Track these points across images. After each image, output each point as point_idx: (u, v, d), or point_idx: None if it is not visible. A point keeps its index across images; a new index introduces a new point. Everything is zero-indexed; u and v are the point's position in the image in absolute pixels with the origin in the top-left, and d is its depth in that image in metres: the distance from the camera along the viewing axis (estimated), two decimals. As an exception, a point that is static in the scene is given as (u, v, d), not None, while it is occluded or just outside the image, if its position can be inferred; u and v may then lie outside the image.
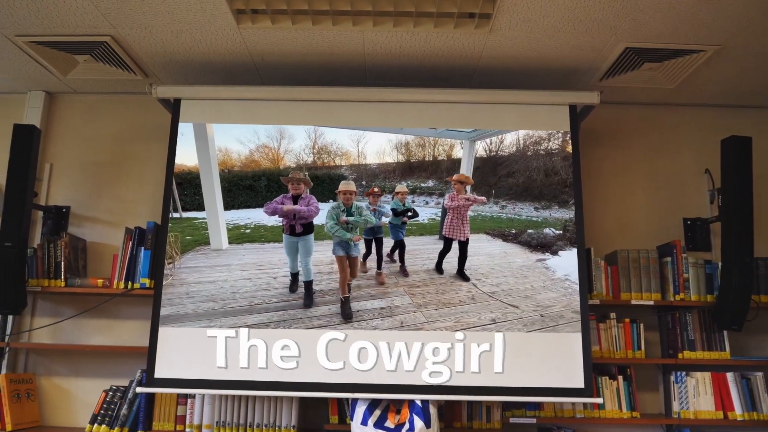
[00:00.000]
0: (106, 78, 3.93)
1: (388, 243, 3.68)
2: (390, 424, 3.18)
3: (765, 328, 3.83)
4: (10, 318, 3.82)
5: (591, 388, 3.27)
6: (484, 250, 3.63)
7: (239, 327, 3.35)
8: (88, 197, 4.09)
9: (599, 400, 3.39)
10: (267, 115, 3.66)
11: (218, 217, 3.66)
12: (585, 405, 3.57)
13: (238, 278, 3.50)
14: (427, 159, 3.74)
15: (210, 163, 3.67)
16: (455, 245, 3.64)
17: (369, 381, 3.28)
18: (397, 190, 3.70)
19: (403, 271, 3.60)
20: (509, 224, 3.66)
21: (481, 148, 3.76)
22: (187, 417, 3.54)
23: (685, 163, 4.12)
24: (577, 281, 3.41)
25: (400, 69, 3.71)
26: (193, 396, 3.53)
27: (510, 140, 3.73)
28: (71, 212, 4.04)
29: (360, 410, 3.24)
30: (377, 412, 3.25)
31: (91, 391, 3.76)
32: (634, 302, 3.63)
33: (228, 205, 3.69)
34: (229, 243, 3.62)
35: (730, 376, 3.60)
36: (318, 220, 3.57)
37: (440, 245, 3.66)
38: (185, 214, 3.64)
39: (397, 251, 3.67)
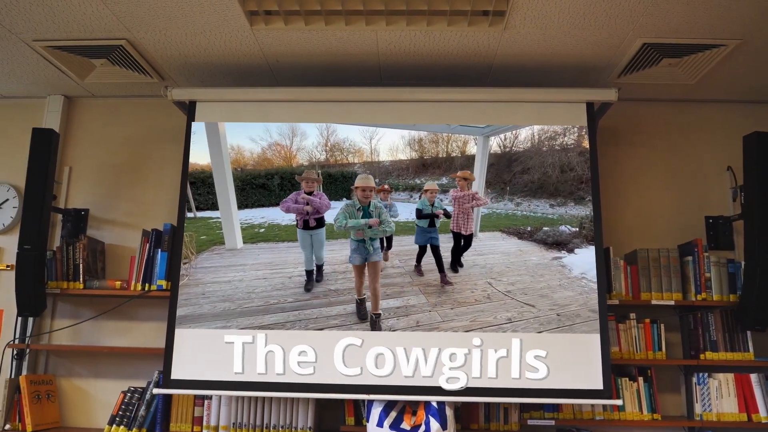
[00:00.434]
0: (123, 81, 3.96)
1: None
2: (406, 425, 3.16)
3: (790, 328, 3.73)
4: (30, 320, 3.84)
5: (610, 390, 3.23)
6: (499, 248, 3.61)
7: (256, 330, 3.34)
8: (107, 200, 4.12)
9: (619, 402, 3.36)
10: (281, 116, 3.67)
11: (232, 216, 3.67)
12: (604, 407, 3.52)
13: (253, 278, 3.51)
14: (440, 156, 3.71)
15: (223, 161, 3.68)
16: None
17: (385, 383, 3.28)
18: (426, 187, 3.61)
19: (444, 281, 3.54)
20: (524, 222, 3.64)
21: (495, 144, 3.73)
22: (204, 418, 3.54)
23: (706, 160, 4.05)
24: (594, 279, 3.37)
25: (415, 68, 3.69)
26: (210, 397, 3.54)
27: (524, 136, 3.70)
28: (90, 215, 4.07)
29: (376, 412, 3.23)
30: (393, 414, 3.23)
31: (109, 392, 3.78)
32: (654, 302, 3.58)
33: (242, 204, 3.70)
34: (244, 243, 3.63)
35: (754, 377, 3.53)
36: (329, 216, 3.57)
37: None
38: (199, 214, 3.66)
39: (421, 258, 3.58)
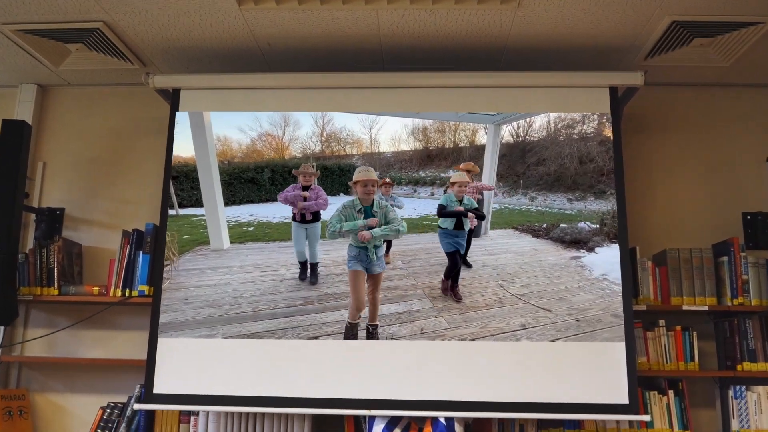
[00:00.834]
0: (101, 68, 3.87)
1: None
2: (411, 444, 3.10)
3: (835, 336, 3.64)
4: (1, 329, 3.75)
5: (637, 404, 3.11)
6: (512, 247, 3.59)
7: (245, 338, 3.26)
8: (84, 198, 4.04)
9: (647, 418, 3.22)
10: (273, 104, 3.59)
11: (218, 213, 3.59)
12: (631, 423, 3.37)
13: (241, 281, 3.42)
14: (447, 146, 3.67)
15: (208, 154, 3.59)
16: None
17: (387, 397, 3.16)
18: (453, 179, 3.52)
19: (455, 295, 3.39)
20: (539, 218, 3.61)
21: (507, 133, 3.70)
22: (190, 436, 3.47)
23: (743, 150, 3.92)
24: (617, 281, 3.26)
25: (420, 51, 3.59)
26: (196, 413, 3.42)
27: (539, 123, 3.66)
28: (65, 214, 3.98)
29: (378, 429, 3.14)
30: (397, 431, 3.14)
31: (87, 408, 3.67)
32: (686, 307, 3.46)
33: (229, 201, 3.63)
34: (231, 242, 3.62)
35: (797, 390, 3.42)
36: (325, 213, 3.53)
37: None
38: (182, 211, 3.60)
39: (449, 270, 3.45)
